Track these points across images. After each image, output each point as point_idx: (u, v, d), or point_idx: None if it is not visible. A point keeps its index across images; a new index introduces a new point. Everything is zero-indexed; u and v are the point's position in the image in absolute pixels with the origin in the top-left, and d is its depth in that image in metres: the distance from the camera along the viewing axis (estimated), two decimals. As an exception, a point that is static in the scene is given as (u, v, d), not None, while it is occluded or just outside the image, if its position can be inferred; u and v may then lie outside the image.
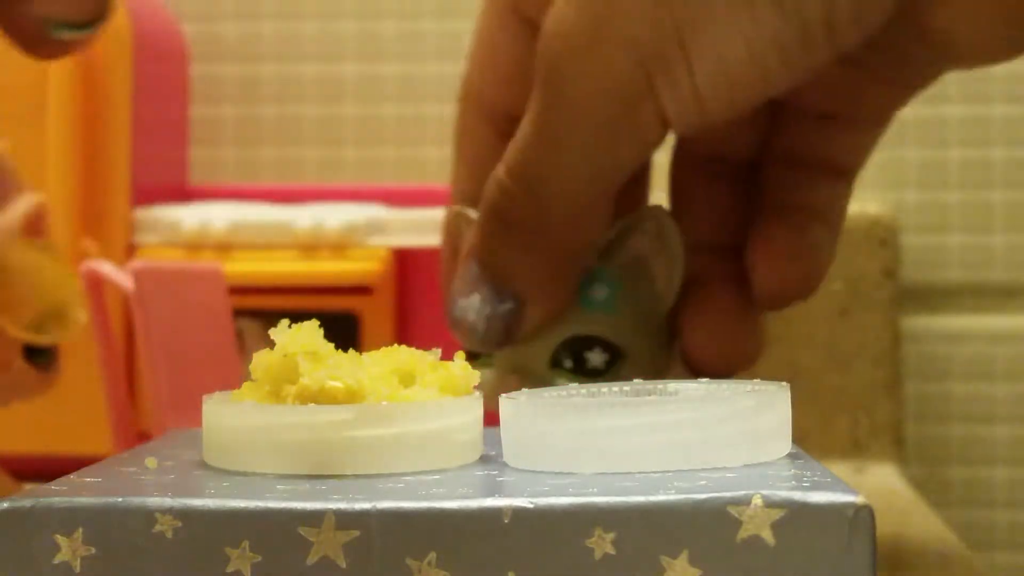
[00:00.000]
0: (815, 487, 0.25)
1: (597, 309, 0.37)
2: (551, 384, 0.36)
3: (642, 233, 0.37)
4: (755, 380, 0.30)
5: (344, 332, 0.54)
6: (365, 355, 0.30)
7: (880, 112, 0.38)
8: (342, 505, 0.24)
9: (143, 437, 0.46)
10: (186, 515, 0.25)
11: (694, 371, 0.38)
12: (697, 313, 0.38)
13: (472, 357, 0.34)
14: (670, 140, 0.37)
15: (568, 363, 0.37)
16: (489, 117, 0.38)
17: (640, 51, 0.31)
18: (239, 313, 0.55)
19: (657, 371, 0.38)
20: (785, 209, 0.38)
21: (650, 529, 0.24)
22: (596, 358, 0.37)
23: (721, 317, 0.38)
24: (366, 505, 0.24)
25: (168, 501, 0.25)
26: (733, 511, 0.24)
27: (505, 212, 0.35)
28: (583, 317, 0.37)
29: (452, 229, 0.39)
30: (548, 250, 0.35)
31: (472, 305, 0.35)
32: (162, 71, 0.61)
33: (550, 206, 0.34)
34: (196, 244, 0.55)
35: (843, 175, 0.39)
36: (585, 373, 0.37)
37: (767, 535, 0.24)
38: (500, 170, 0.35)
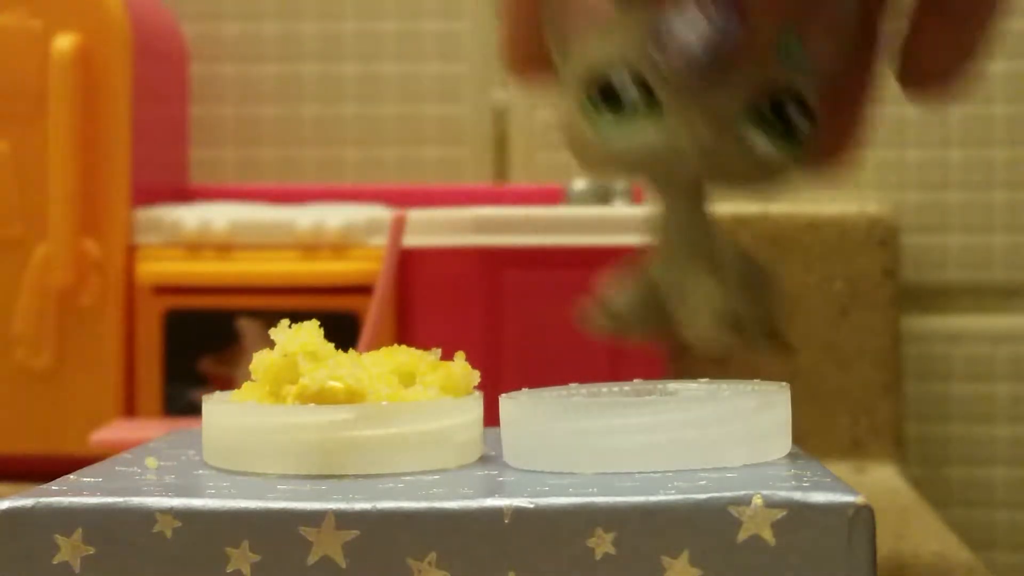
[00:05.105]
0: (815, 487, 0.25)
1: (792, 65, 0.31)
2: (739, 137, 0.31)
3: None
4: (755, 380, 0.30)
5: (344, 332, 0.53)
6: (365, 355, 0.30)
7: None
8: (342, 505, 0.24)
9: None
10: (186, 515, 0.25)
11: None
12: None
13: (616, 106, 0.30)
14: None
15: (768, 114, 0.31)
16: None
17: None
18: (239, 313, 0.55)
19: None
20: None
21: (650, 529, 0.24)
22: (796, 114, 0.31)
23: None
24: (366, 505, 0.24)
25: (168, 501, 0.25)
26: (733, 511, 0.24)
27: None
28: (780, 68, 0.31)
29: None
30: None
31: (692, 21, 0.30)
32: (162, 71, 0.61)
33: None
34: (196, 244, 0.55)
35: None
36: (784, 130, 0.31)
37: (767, 535, 0.24)
38: None
